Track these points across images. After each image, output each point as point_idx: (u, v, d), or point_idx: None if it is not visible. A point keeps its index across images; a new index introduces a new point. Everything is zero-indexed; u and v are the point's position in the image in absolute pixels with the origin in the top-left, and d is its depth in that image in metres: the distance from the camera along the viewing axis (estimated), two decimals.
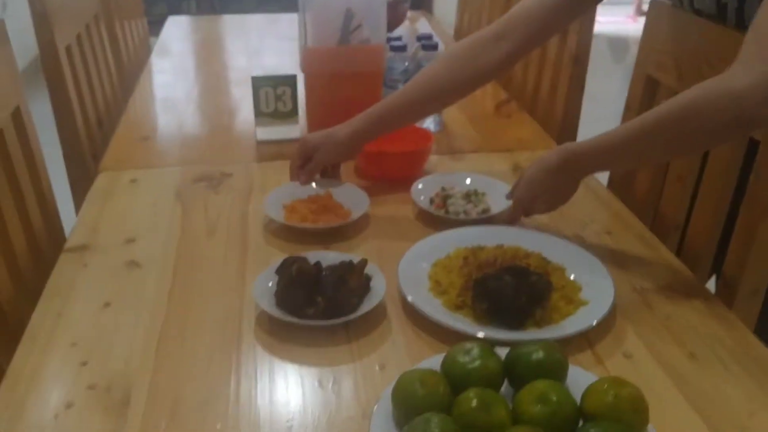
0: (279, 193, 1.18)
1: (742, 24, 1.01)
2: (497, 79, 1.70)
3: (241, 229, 1.11)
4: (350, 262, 0.94)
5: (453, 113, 1.60)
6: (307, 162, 1.20)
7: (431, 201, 1.19)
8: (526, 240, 1.04)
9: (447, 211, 1.15)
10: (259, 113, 1.42)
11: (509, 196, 1.10)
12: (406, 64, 1.44)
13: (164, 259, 1.03)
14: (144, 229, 1.11)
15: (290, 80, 1.41)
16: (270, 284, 0.93)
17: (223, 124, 1.55)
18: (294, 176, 1.21)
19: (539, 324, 0.86)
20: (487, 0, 2.05)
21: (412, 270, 0.97)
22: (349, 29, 1.37)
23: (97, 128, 1.55)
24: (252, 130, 1.45)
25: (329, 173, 1.24)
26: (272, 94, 1.41)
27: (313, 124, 1.43)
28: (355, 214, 1.12)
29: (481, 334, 0.83)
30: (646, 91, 1.23)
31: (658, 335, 0.88)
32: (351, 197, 1.17)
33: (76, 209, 1.45)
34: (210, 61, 2.08)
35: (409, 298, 0.89)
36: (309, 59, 1.37)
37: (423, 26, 2.26)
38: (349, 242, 1.08)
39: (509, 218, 1.10)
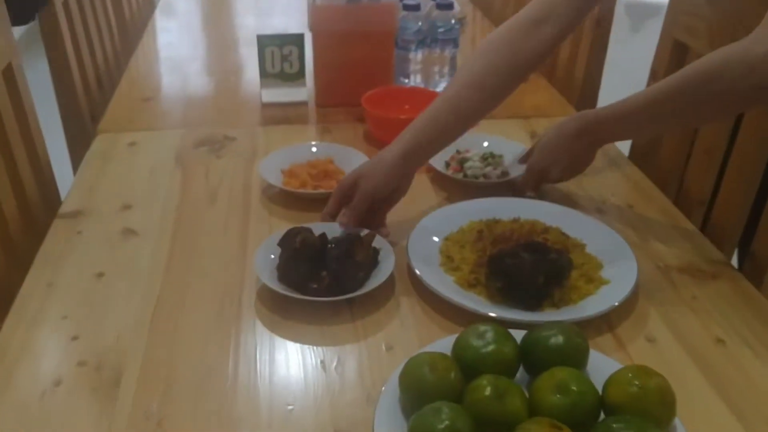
0: (276, 156, 1.12)
1: None
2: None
3: (243, 197, 1.06)
4: (357, 235, 0.89)
5: None
6: (346, 201, 0.95)
7: (447, 165, 1.13)
8: (543, 213, 0.98)
9: (465, 175, 1.09)
10: (264, 74, 1.36)
11: (522, 160, 1.05)
12: (420, 24, 1.36)
13: (162, 227, 0.98)
14: (142, 195, 1.06)
15: (297, 39, 1.34)
16: (272, 256, 0.88)
17: (228, 86, 1.49)
18: (325, 217, 0.96)
19: (557, 305, 0.81)
20: None
21: (423, 244, 0.91)
22: None
23: (97, 88, 1.49)
24: (257, 92, 1.38)
25: (376, 219, 0.96)
26: (278, 54, 1.35)
27: (322, 86, 1.37)
28: None
29: (494, 315, 0.78)
30: (673, 57, 1.15)
31: (682, 317, 0.82)
32: (354, 162, 1.11)
33: (74, 171, 1.40)
34: (216, 19, 2.01)
35: (419, 274, 0.84)
36: (317, 17, 1.30)
37: None
38: None
39: (522, 184, 1.05)
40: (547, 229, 0.93)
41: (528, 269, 0.79)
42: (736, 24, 1.00)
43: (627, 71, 3.13)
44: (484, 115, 1.01)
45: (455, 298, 0.80)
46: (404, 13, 1.36)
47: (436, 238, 0.93)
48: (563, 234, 0.93)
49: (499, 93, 1.02)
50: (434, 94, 1.28)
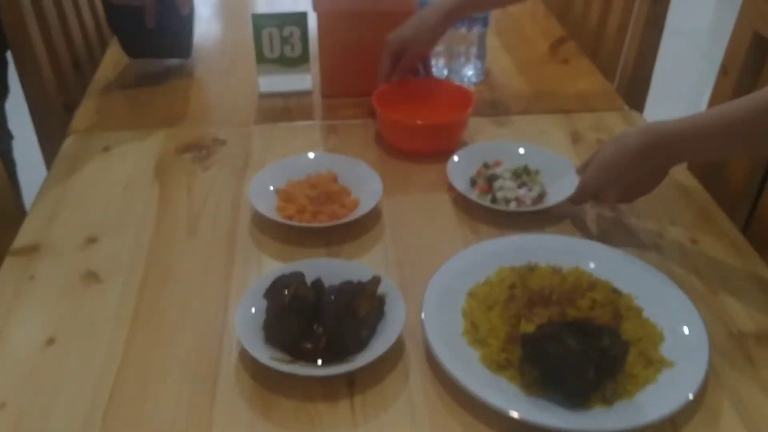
0: (270, 172, 0.95)
1: None
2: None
3: (229, 224, 0.89)
4: (359, 284, 0.73)
5: (498, 57, 1.33)
6: (397, 63, 1.09)
7: (472, 181, 0.96)
8: (589, 254, 0.81)
9: (494, 198, 0.92)
10: (261, 59, 1.17)
11: (579, 170, 0.88)
12: None
13: (130, 268, 0.82)
14: (111, 222, 0.89)
15: (300, 19, 1.15)
16: (253, 310, 0.72)
17: (219, 74, 1.28)
18: (385, 80, 1.09)
19: (609, 400, 0.65)
20: None
21: (442, 303, 0.75)
22: None
23: (73, 73, 1.30)
24: (253, 81, 1.20)
25: (422, 70, 1.15)
26: (278, 36, 1.15)
27: (328, 73, 1.18)
28: (365, 204, 0.90)
29: (530, 418, 0.62)
30: (751, 52, 0.94)
31: (764, 412, 0.66)
32: (361, 179, 0.94)
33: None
34: None
35: (437, 355, 0.68)
36: (325, 26, 1.11)
37: None
38: (359, 242, 0.86)
39: (573, 200, 0.89)
40: (594, 285, 0.76)
41: (575, 361, 0.63)
42: None
43: (682, 60, 2.84)
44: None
45: (480, 391, 0.64)
46: None
47: (458, 292, 0.77)
48: (614, 291, 0.76)
49: None
50: (459, 89, 1.10)
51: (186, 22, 1.23)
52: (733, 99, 0.97)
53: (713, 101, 1.01)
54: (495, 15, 1.48)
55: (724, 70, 0.99)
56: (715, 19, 3.38)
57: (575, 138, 1.08)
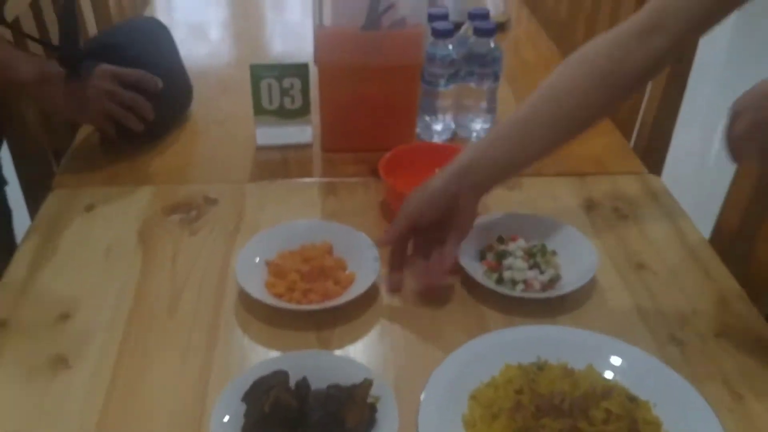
0: (260, 242, 0.88)
1: None
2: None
3: (213, 301, 0.83)
4: (348, 389, 0.66)
5: (510, 109, 1.23)
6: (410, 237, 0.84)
7: (481, 255, 0.89)
8: (603, 350, 0.74)
9: (500, 278, 0.85)
10: (259, 111, 1.11)
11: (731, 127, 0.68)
12: (452, 53, 1.10)
13: (103, 352, 0.75)
14: (86, 296, 0.83)
15: (300, 70, 1.09)
16: (226, 419, 0.65)
17: (215, 124, 1.21)
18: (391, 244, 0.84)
19: None
20: None
21: (441, 406, 0.68)
22: (378, 9, 1.03)
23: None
24: (251, 133, 1.14)
25: (443, 253, 0.81)
26: (277, 88, 1.09)
27: (329, 128, 1.12)
28: (361, 282, 0.83)
29: None
30: None
31: None
32: (358, 251, 0.87)
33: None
34: (198, 45, 1.59)
35: None
36: (324, 47, 1.04)
37: None
38: (353, 326, 0.80)
39: (733, 155, 0.68)
40: (609, 391, 0.68)
41: None
42: None
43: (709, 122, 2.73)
44: (563, 143, 0.85)
45: None
46: (433, 39, 1.09)
47: (459, 397, 0.70)
48: (630, 399, 0.69)
49: (587, 112, 0.84)
50: None
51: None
52: (756, 179, 0.90)
53: (736, 180, 0.94)
54: (508, 62, 1.43)
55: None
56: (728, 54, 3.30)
57: (589, 206, 1.01)
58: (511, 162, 0.84)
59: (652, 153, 1.18)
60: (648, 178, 1.08)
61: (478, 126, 1.17)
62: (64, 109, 1.03)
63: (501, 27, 1.58)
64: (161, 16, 1.64)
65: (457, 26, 1.14)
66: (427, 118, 1.15)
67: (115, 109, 1.04)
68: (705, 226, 1.00)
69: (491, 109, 1.17)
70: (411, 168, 1.01)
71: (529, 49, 1.53)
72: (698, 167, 2.24)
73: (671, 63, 0.89)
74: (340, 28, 1.04)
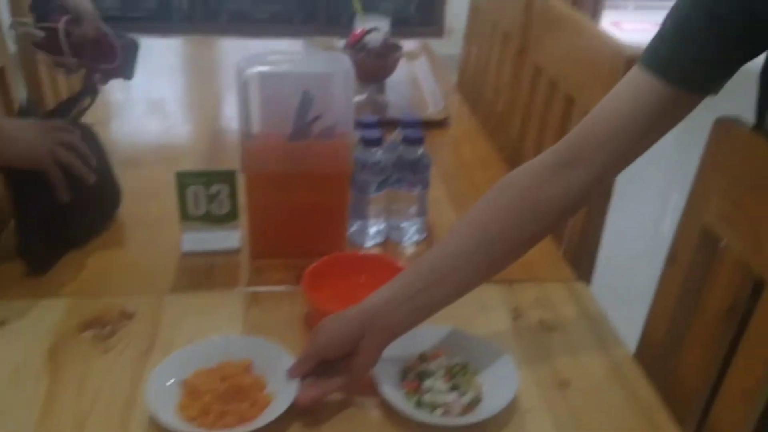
0: (174, 361, 0.85)
1: None
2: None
3: (122, 425, 0.78)
4: None
5: (443, 210, 1.27)
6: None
7: (404, 374, 0.86)
8: None
9: (420, 401, 0.82)
10: (186, 217, 1.09)
11: None
12: (381, 160, 1.10)
13: None
14: None
15: (228, 176, 1.08)
16: None
17: (139, 230, 1.18)
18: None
19: None
20: (498, 35, 1.69)
21: None
22: (306, 119, 1.03)
23: None
24: (174, 240, 1.11)
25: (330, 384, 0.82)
26: (204, 194, 1.08)
27: (257, 235, 1.10)
28: (279, 403, 0.80)
29: None
30: (702, 247, 0.88)
31: None
32: (279, 368, 0.84)
33: None
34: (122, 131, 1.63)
35: None
36: (251, 157, 1.04)
37: (421, 69, 1.92)
38: None
39: None
40: None
41: None
42: None
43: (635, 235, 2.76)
44: (482, 280, 0.86)
45: None
46: (362, 147, 1.10)
47: None
48: None
49: (508, 246, 0.85)
50: (392, 264, 1.02)
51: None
52: (681, 290, 0.91)
53: (661, 291, 0.95)
54: (445, 160, 1.44)
55: (672, 259, 0.93)
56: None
57: (516, 315, 1.01)
58: (427, 303, 0.83)
59: (582, 259, 1.19)
60: (576, 286, 1.08)
61: (411, 231, 1.17)
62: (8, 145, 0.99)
63: (440, 124, 1.61)
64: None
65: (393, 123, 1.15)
66: (359, 223, 1.15)
67: (67, 155, 1.02)
68: (634, 336, 1.00)
69: (421, 213, 1.17)
70: (338, 277, 1.00)
71: (467, 146, 1.56)
72: (628, 274, 2.25)
73: (597, 194, 0.90)
74: (267, 137, 1.04)
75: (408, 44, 2.05)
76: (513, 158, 1.51)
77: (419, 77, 1.88)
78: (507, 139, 1.54)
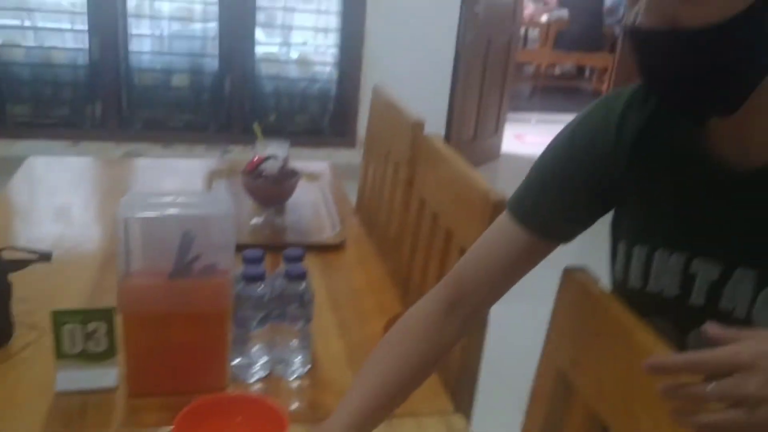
0: None
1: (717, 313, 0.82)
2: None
3: None
4: None
5: (329, 340, 1.29)
6: None
7: None
8: None
9: None
10: (61, 355, 1.07)
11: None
12: (264, 296, 1.12)
13: None
14: None
15: (106, 314, 1.07)
16: None
17: (11, 365, 1.14)
18: None
19: None
20: (390, 163, 1.78)
21: None
22: (186, 258, 1.05)
23: None
24: (49, 378, 1.09)
25: None
26: (80, 332, 1.07)
27: (134, 374, 1.09)
28: None
29: None
30: (558, 389, 0.94)
31: None
32: None
33: None
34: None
35: None
36: (129, 295, 1.05)
37: (323, 191, 1.98)
38: None
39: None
40: None
41: None
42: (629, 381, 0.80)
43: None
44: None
45: None
46: (243, 284, 1.12)
47: None
48: None
49: (405, 381, 0.95)
50: (272, 412, 1.01)
51: None
52: (542, 429, 0.95)
53: (525, 428, 0.99)
54: (336, 287, 1.48)
55: (533, 397, 0.98)
56: None
57: None
58: None
59: (461, 390, 1.22)
60: (453, 420, 1.11)
61: (294, 364, 1.18)
62: None
63: (336, 247, 1.65)
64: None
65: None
66: (242, 358, 1.15)
67: None
68: None
69: (305, 346, 1.19)
70: (213, 419, 0.99)
71: (361, 271, 1.60)
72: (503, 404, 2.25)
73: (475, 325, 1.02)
74: (147, 276, 1.05)
75: (316, 165, 2.14)
76: (404, 283, 1.56)
77: (320, 199, 1.93)
78: (398, 264, 1.60)
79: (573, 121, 0.92)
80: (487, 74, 4.67)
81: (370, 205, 1.95)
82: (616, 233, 0.93)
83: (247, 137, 4.18)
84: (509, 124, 5.20)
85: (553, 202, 0.90)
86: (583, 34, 6.81)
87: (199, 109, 4.35)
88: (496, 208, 1.14)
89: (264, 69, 4.34)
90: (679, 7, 0.70)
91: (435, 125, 4.50)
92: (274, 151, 1.74)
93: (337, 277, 1.54)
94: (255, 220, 1.72)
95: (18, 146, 4.00)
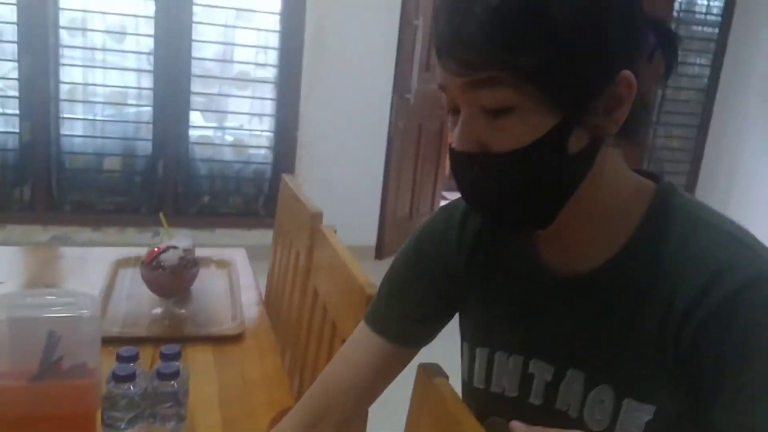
0: None
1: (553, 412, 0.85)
2: None
3: None
4: None
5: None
6: None
7: None
8: None
9: None
10: None
11: None
12: (135, 395, 1.11)
13: None
14: None
15: None
16: None
17: None
18: None
19: None
20: (294, 251, 1.80)
21: None
22: (51, 359, 1.04)
23: None
24: None
25: None
26: None
27: None
28: None
29: None
30: None
31: None
32: None
33: None
34: None
35: None
36: None
37: (230, 279, 1.98)
38: None
39: None
40: None
41: None
42: None
43: None
44: None
45: None
46: (113, 383, 1.11)
47: None
48: None
49: None
50: None
51: None
52: None
53: None
54: (228, 381, 1.46)
55: None
56: None
57: None
58: None
59: None
60: None
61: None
62: None
63: (234, 338, 1.64)
64: None
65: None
66: None
67: None
68: None
69: None
70: None
71: (256, 363, 1.58)
72: None
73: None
74: (9, 378, 1.04)
75: (230, 251, 2.14)
76: (301, 375, 1.56)
77: (227, 288, 1.93)
78: (295, 356, 1.60)
79: (419, 227, 0.97)
80: (420, 156, 4.80)
81: (276, 292, 1.96)
82: (462, 334, 0.97)
83: (179, 219, 4.19)
84: (444, 202, 5.32)
85: (403, 308, 0.94)
86: None
87: (131, 191, 4.33)
88: (369, 300, 1.16)
89: (198, 152, 4.38)
90: (487, 134, 0.76)
91: (370, 205, 4.59)
92: (177, 242, 1.75)
93: (231, 370, 1.53)
94: (155, 311, 1.71)
95: None
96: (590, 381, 0.83)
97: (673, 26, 0.85)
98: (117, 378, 1.11)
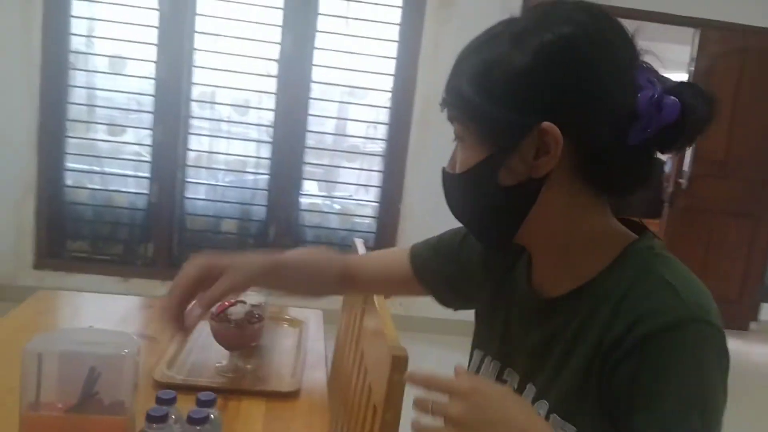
0: None
1: None
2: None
3: None
4: None
5: None
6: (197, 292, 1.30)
7: None
8: None
9: None
10: None
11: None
12: None
13: None
14: None
15: None
16: None
17: None
18: (172, 316, 1.30)
19: None
20: (353, 315, 1.83)
21: None
22: (89, 393, 1.13)
23: None
24: None
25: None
26: None
27: None
28: None
29: None
30: None
31: None
32: None
33: None
34: None
35: None
36: (29, 428, 1.12)
37: (300, 337, 2.03)
38: None
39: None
40: None
41: None
42: None
43: None
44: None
45: None
46: (147, 423, 1.18)
47: None
48: None
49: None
50: None
51: None
52: None
53: None
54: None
55: None
56: None
57: None
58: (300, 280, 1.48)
59: None
60: None
61: None
62: None
63: (288, 395, 1.68)
64: None
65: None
66: None
67: None
68: None
69: None
70: None
71: (302, 424, 1.61)
72: None
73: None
74: (48, 410, 1.13)
75: (307, 312, 2.20)
76: None
77: (293, 346, 1.98)
78: (337, 415, 1.60)
79: None
80: None
81: (340, 355, 1.99)
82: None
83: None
84: None
85: (432, 264, 1.27)
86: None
87: (244, 252, 4.57)
88: (394, 362, 1.17)
89: (307, 218, 4.58)
90: (456, 157, 0.99)
91: None
92: (249, 297, 1.84)
93: (278, 426, 1.56)
94: (219, 363, 1.79)
95: (73, 279, 4.29)
96: (536, 395, 0.96)
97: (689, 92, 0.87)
98: (149, 418, 1.18)
